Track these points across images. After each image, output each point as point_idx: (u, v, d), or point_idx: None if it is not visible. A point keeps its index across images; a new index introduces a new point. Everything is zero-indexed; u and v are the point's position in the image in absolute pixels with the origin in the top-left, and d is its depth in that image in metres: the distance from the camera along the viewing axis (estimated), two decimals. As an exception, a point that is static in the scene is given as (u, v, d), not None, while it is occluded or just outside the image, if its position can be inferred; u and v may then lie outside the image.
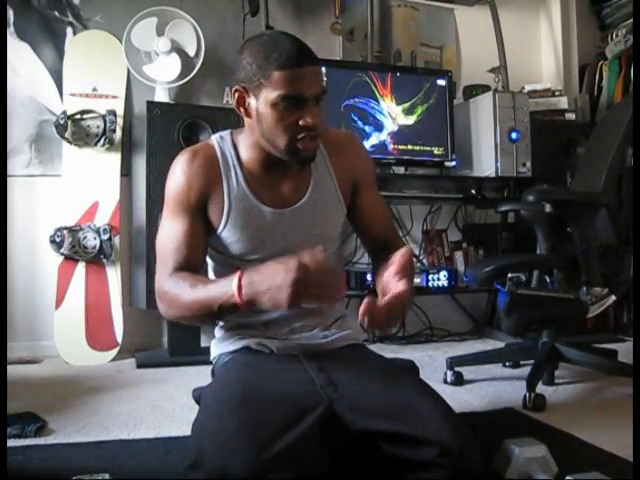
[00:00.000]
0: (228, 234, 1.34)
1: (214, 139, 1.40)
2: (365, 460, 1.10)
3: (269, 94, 1.22)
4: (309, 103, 1.22)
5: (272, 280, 1.09)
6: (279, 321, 1.36)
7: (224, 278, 1.19)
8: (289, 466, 0.98)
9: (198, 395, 1.30)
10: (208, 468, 1.02)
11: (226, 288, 1.15)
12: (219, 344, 1.42)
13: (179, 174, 1.33)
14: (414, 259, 3.43)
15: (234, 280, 1.14)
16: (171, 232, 1.32)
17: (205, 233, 1.34)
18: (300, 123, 1.23)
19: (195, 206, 1.32)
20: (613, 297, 2.13)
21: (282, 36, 1.25)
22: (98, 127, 2.89)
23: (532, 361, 2.19)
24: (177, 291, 1.24)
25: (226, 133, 1.41)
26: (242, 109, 1.29)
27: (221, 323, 1.44)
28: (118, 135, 2.93)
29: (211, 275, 1.47)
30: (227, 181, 1.34)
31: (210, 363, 1.46)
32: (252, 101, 1.26)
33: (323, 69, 1.27)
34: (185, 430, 1.40)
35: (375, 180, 1.51)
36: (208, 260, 1.44)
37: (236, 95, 1.28)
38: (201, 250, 1.34)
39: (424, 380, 1.28)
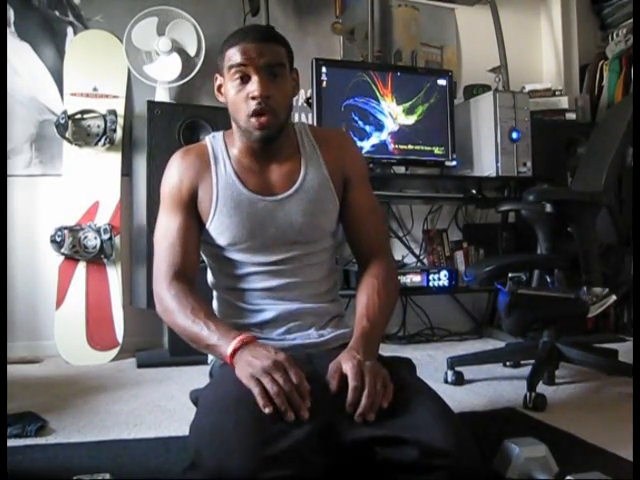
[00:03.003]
0: (217, 223, 1.36)
1: (207, 138, 1.46)
2: (362, 463, 1.09)
3: (225, 71, 1.33)
4: (257, 75, 1.28)
5: (258, 364, 1.11)
6: (274, 321, 1.36)
7: (224, 329, 1.22)
8: (286, 466, 0.97)
9: (195, 397, 1.29)
10: (206, 468, 1.02)
11: (222, 344, 1.19)
12: None
13: (172, 171, 1.40)
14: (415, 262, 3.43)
15: (231, 344, 1.17)
16: (166, 228, 1.37)
17: (199, 226, 1.38)
18: (249, 98, 1.29)
19: (187, 200, 1.37)
20: (614, 297, 2.12)
21: (251, 25, 1.37)
22: (99, 127, 2.90)
23: (532, 361, 2.19)
24: (175, 308, 1.29)
25: (219, 133, 1.46)
26: (220, 95, 1.40)
27: None
28: (119, 135, 2.93)
29: (210, 272, 1.47)
30: (216, 171, 1.38)
31: (210, 363, 1.46)
32: (223, 84, 1.37)
33: (282, 48, 1.34)
34: (185, 430, 1.40)
35: (367, 178, 1.50)
36: (205, 258, 1.45)
37: (216, 83, 1.40)
38: (194, 244, 1.37)
39: (421, 379, 1.28)
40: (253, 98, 1.28)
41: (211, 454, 1.03)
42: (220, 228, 1.36)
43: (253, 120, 1.30)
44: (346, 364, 1.15)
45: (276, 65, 1.30)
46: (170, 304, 1.29)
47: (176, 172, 1.39)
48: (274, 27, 1.40)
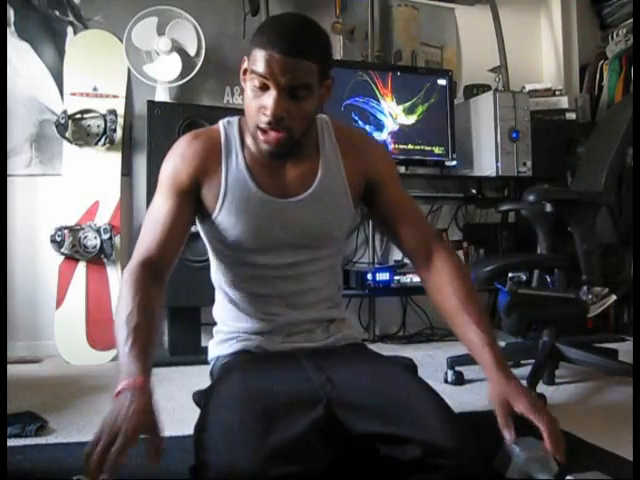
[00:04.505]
0: (223, 219, 1.29)
1: (221, 123, 1.36)
2: (364, 461, 1.09)
3: (250, 67, 1.20)
4: (276, 91, 1.16)
5: (107, 419, 1.05)
6: (274, 329, 1.34)
7: (132, 356, 1.06)
8: (292, 461, 0.97)
9: (199, 398, 1.27)
10: (213, 466, 1.01)
11: (120, 375, 1.06)
12: (217, 346, 1.40)
13: (177, 155, 1.30)
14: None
15: (120, 384, 1.05)
16: (156, 211, 1.28)
17: (191, 217, 1.31)
18: (261, 110, 1.19)
19: (187, 188, 1.28)
20: (613, 297, 2.12)
21: (287, 22, 1.20)
22: (99, 127, 2.90)
23: (532, 361, 2.19)
24: (121, 299, 1.16)
25: (235, 119, 1.36)
26: (243, 80, 1.26)
27: (219, 324, 1.43)
28: (119, 135, 2.93)
29: (214, 269, 1.42)
30: (226, 164, 1.30)
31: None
32: (248, 68, 1.23)
33: (313, 65, 1.18)
34: (185, 430, 1.39)
35: (397, 176, 1.41)
36: (210, 253, 1.41)
37: (242, 66, 1.26)
38: (180, 234, 1.27)
39: (423, 379, 1.27)
40: (264, 114, 1.18)
41: (217, 454, 1.02)
42: (225, 225, 1.29)
43: (260, 134, 1.21)
44: (519, 403, 1.10)
45: (300, 87, 1.18)
46: (122, 291, 1.17)
47: (181, 157, 1.29)
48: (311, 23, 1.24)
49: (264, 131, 1.20)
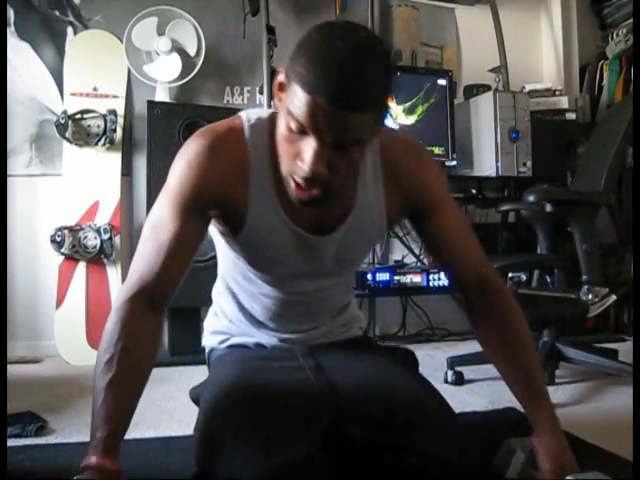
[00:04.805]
0: (242, 245, 1.17)
1: (246, 125, 1.12)
2: (365, 470, 1.07)
3: (287, 100, 0.97)
4: (317, 144, 0.94)
5: None
6: (285, 340, 1.30)
7: (102, 421, 0.99)
8: (298, 472, 0.96)
9: (196, 396, 1.24)
10: (217, 476, 1.00)
11: (90, 441, 0.98)
12: (213, 336, 1.36)
13: (194, 165, 1.08)
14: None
15: (88, 458, 0.95)
16: (160, 229, 1.08)
17: (201, 239, 1.12)
18: (297, 161, 0.98)
19: (202, 207, 1.09)
20: (614, 297, 2.12)
21: (342, 52, 0.91)
22: (99, 127, 2.90)
23: (532, 361, 2.19)
24: (104, 340, 1.02)
25: (265, 118, 1.12)
26: (279, 99, 1.02)
27: (219, 313, 1.37)
28: (119, 135, 2.93)
29: (223, 269, 1.33)
30: (254, 186, 1.10)
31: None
32: (284, 99, 1.00)
33: (372, 115, 0.95)
34: (186, 430, 1.39)
35: (447, 199, 1.23)
36: (219, 257, 1.32)
37: (277, 78, 1.03)
38: (185, 261, 1.09)
39: (424, 377, 1.26)
40: (301, 167, 0.97)
41: (220, 464, 1.00)
42: (245, 251, 1.17)
43: (292, 184, 1.01)
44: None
45: (349, 142, 0.96)
46: (107, 330, 1.03)
47: (199, 168, 1.07)
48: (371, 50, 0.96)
49: (298, 184, 1.01)
